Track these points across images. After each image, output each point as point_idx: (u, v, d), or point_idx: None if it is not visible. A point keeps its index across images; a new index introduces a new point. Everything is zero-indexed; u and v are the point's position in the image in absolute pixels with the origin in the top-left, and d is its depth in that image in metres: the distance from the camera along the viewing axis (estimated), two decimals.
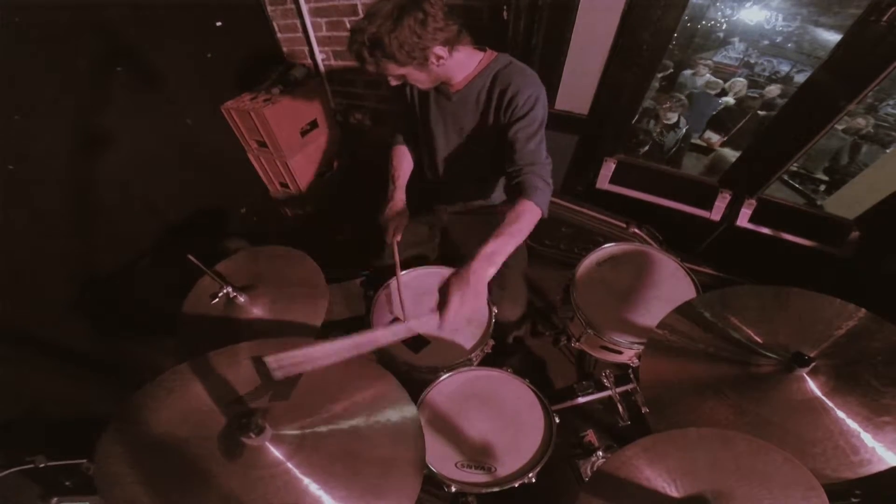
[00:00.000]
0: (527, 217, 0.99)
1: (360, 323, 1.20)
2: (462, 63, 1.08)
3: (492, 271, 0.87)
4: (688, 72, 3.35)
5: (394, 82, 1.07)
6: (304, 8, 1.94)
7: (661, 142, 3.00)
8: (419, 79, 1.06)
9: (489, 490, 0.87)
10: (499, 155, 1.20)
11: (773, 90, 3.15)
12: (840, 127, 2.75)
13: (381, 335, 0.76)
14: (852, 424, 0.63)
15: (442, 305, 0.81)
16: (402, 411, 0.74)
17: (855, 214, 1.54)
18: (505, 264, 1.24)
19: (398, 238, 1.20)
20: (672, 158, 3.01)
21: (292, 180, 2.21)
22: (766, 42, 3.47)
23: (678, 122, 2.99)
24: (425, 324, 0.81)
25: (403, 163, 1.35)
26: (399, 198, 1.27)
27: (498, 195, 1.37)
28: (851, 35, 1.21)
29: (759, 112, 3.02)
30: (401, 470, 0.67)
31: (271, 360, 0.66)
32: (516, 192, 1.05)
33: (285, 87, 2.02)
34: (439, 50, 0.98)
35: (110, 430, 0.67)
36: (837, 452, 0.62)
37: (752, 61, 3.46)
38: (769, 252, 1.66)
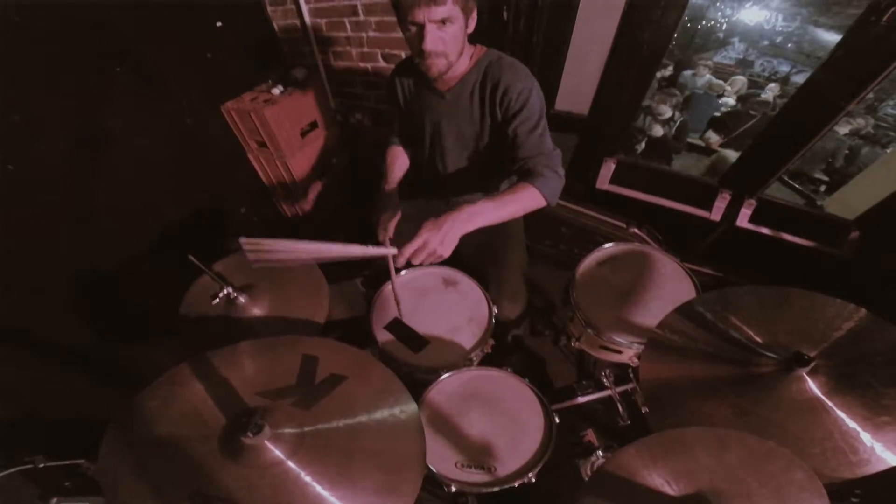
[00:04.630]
0: (522, 196, 1.00)
1: (360, 323, 1.20)
2: (465, 51, 1.08)
3: (467, 228, 0.91)
4: (688, 72, 3.35)
5: (434, 40, 0.96)
6: (304, 8, 1.94)
7: (659, 136, 3.00)
8: (458, 37, 1.00)
9: (489, 490, 0.87)
10: (495, 151, 1.20)
11: (773, 88, 3.15)
12: (843, 130, 2.76)
13: (343, 248, 0.86)
14: (852, 424, 0.63)
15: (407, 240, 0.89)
16: (402, 409, 0.74)
17: (855, 214, 1.54)
18: (504, 263, 1.25)
19: (390, 235, 1.19)
20: (674, 154, 3.02)
21: (292, 180, 2.21)
22: (765, 42, 3.48)
23: (672, 116, 3.00)
24: (385, 250, 0.90)
25: (397, 162, 1.35)
26: (388, 194, 1.26)
27: (497, 190, 1.36)
28: (851, 35, 1.21)
29: (753, 113, 3.02)
30: (401, 469, 0.67)
31: (245, 242, 0.78)
32: (521, 178, 1.05)
33: (285, 87, 2.02)
34: (475, 13, 1.00)
35: (110, 430, 0.67)
36: (837, 452, 0.62)
37: (752, 61, 3.47)
38: (769, 252, 1.66)
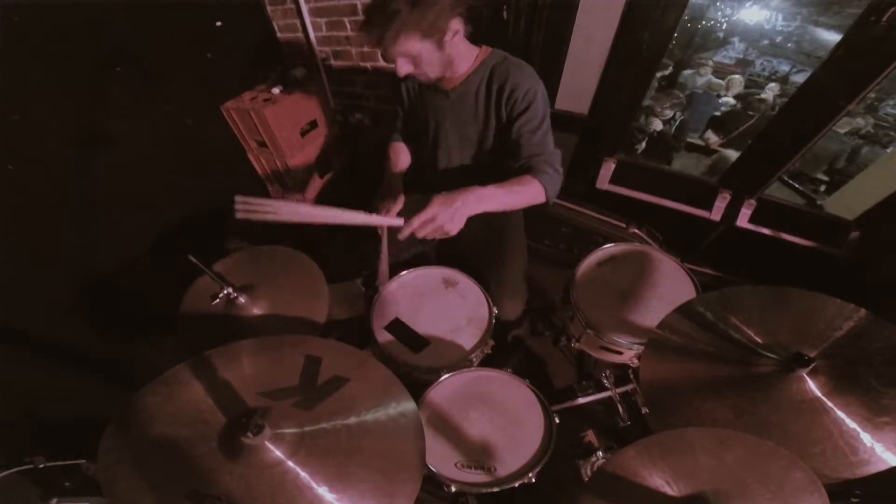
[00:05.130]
0: (527, 188, 1.01)
1: (361, 322, 1.20)
2: (464, 54, 1.08)
3: (476, 209, 0.91)
4: (688, 71, 3.35)
5: (404, 69, 1.02)
6: (304, 8, 1.94)
7: (658, 134, 3.01)
8: (431, 61, 1.02)
9: (489, 490, 0.87)
10: (499, 150, 1.20)
11: (773, 88, 3.15)
12: (842, 130, 2.75)
13: (347, 215, 0.86)
14: (852, 425, 0.63)
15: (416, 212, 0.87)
16: (402, 410, 0.74)
17: (855, 214, 1.54)
18: (505, 263, 1.25)
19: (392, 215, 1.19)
20: (674, 153, 3.02)
21: (292, 180, 2.21)
22: (765, 42, 3.47)
23: (673, 116, 3.01)
24: (391, 220, 0.89)
25: (401, 157, 1.35)
26: (395, 185, 1.27)
27: None
28: (851, 35, 1.21)
29: (751, 114, 3.02)
30: (401, 469, 0.67)
31: (239, 198, 0.76)
32: (523, 173, 1.06)
33: (285, 87, 2.02)
34: (455, 23, 0.98)
35: (110, 430, 0.67)
36: (837, 452, 0.62)
37: (752, 60, 3.46)
38: (769, 252, 1.66)
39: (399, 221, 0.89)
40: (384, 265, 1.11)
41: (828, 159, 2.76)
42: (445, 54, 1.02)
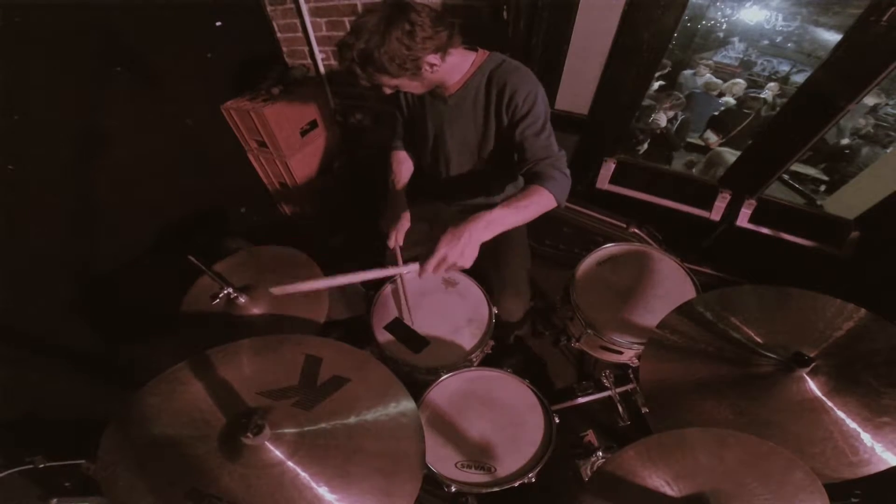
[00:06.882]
0: (535, 199, 0.97)
1: (361, 323, 1.20)
2: (456, 66, 1.08)
3: (485, 236, 0.90)
4: (688, 71, 3.35)
5: (388, 91, 1.07)
6: (304, 8, 1.94)
7: (661, 132, 3.02)
8: (413, 87, 1.07)
9: (489, 490, 0.87)
10: (498, 155, 1.20)
11: (773, 88, 3.15)
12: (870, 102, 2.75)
13: (367, 273, 0.88)
14: (852, 425, 0.63)
15: (427, 255, 0.87)
16: (402, 410, 0.74)
17: (855, 214, 1.54)
18: (507, 263, 1.25)
19: (400, 243, 1.20)
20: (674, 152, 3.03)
21: (292, 180, 2.21)
22: (765, 42, 3.47)
23: (674, 116, 3.02)
24: (407, 268, 0.90)
25: (403, 167, 1.35)
26: (399, 202, 1.27)
27: (500, 192, 1.36)
28: (851, 35, 1.21)
29: (748, 112, 3.03)
30: (401, 469, 0.67)
31: (276, 290, 0.84)
32: (529, 181, 1.04)
33: (285, 87, 2.02)
34: (431, 58, 0.98)
35: (110, 430, 0.67)
36: (837, 452, 0.62)
37: (752, 61, 3.47)
38: (769, 252, 1.66)
39: (414, 267, 0.89)
40: (408, 304, 1.14)
41: (852, 128, 2.76)
42: (426, 80, 1.04)
